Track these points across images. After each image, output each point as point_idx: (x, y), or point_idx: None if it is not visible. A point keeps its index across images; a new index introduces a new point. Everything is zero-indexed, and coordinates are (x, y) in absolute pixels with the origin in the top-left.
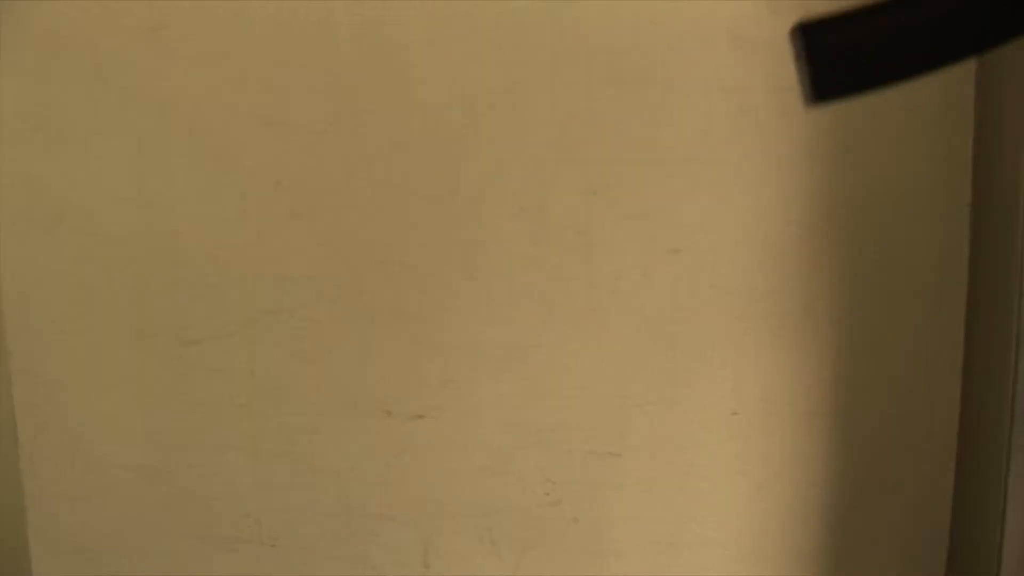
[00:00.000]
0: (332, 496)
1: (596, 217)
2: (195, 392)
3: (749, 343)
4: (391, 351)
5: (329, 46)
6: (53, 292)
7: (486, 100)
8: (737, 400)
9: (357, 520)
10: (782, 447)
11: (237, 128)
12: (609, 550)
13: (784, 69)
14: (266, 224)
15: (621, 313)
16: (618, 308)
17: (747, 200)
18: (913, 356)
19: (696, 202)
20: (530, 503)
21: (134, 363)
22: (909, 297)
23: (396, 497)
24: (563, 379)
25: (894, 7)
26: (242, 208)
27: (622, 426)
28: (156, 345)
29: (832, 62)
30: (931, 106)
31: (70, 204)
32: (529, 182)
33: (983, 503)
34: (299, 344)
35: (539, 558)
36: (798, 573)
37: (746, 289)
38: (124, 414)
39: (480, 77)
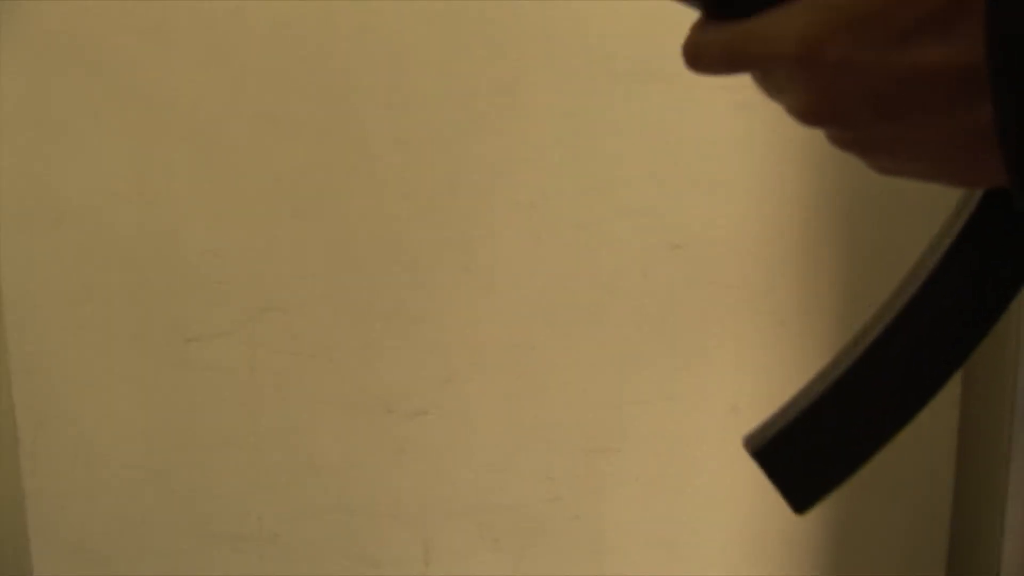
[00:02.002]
0: (333, 494)
1: (596, 214)
2: (195, 390)
3: (749, 339)
4: (391, 349)
5: (329, 45)
6: (53, 290)
7: (486, 98)
8: (737, 397)
9: (358, 518)
10: None
11: (237, 127)
12: (609, 547)
13: None
14: (266, 222)
15: (621, 310)
16: (618, 305)
17: (748, 197)
18: None
19: (697, 198)
20: (530, 500)
21: (134, 361)
22: None
23: (397, 495)
24: (563, 376)
25: (842, 385)
26: (242, 206)
27: (622, 423)
28: (156, 343)
29: (798, 473)
30: None
31: (70, 203)
32: (529, 179)
33: (983, 503)
34: (299, 342)
35: (539, 555)
36: (798, 571)
37: (746, 285)
38: (124, 412)
39: (480, 75)
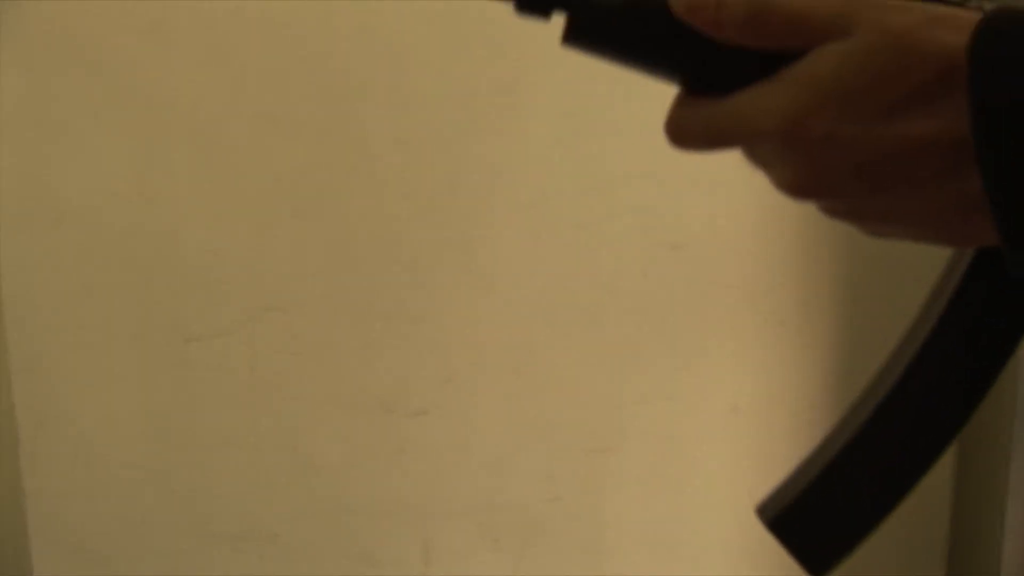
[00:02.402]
0: (332, 493)
1: (596, 214)
2: (196, 389)
3: (749, 339)
4: (391, 348)
5: (329, 45)
6: (53, 290)
7: (486, 98)
8: (737, 396)
9: (357, 517)
10: (782, 444)
11: (237, 126)
12: (609, 547)
13: None
14: (266, 222)
15: (621, 309)
16: (618, 304)
17: (748, 197)
18: None
19: (697, 198)
20: (530, 500)
21: (134, 360)
22: (909, 294)
23: (396, 494)
24: (563, 376)
25: (849, 451)
26: (242, 206)
27: (622, 423)
28: (156, 342)
29: (813, 540)
30: None
31: (70, 203)
32: (529, 179)
33: (983, 503)
34: (299, 341)
35: (539, 555)
36: (797, 571)
37: (746, 285)
38: (125, 411)
39: (480, 75)
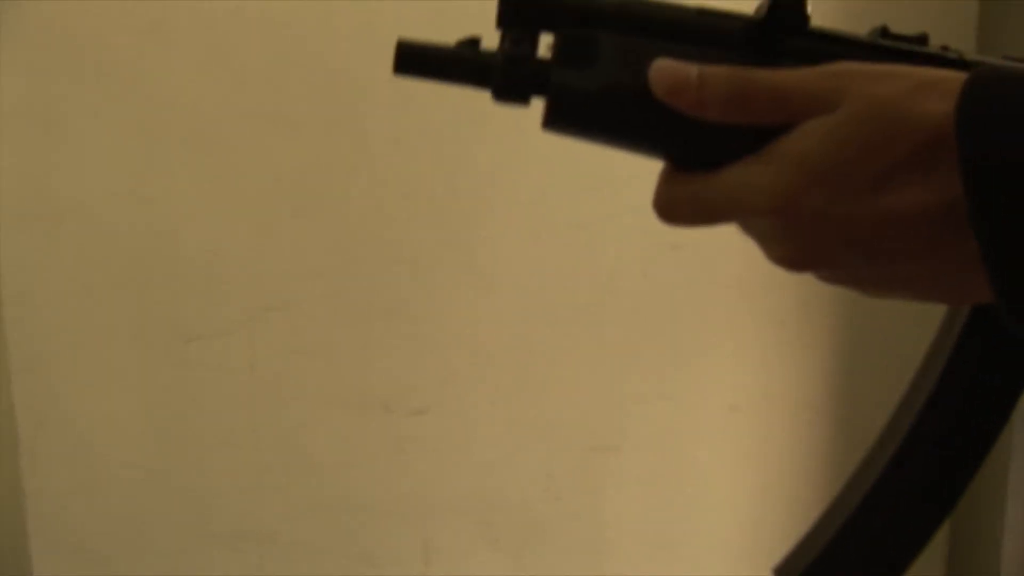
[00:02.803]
0: (332, 493)
1: (596, 213)
2: (195, 389)
3: (749, 339)
4: (391, 348)
5: (329, 45)
6: (53, 290)
7: (485, 98)
8: (736, 396)
9: (357, 516)
10: (781, 443)
11: (237, 126)
12: (609, 546)
13: None
14: (266, 221)
15: (621, 309)
16: (618, 304)
17: None
18: (912, 352)
19: None
20: (530, 499)
21: (134, 360)
22: None
23: (396, 493)
24: (563, 375)
25: (860, 514)
26: (242, 205)
27: (621, 422)
28: (156, 342)
29: None
30: None
31: (70, 202)
32: (529, 179)
33: (983, 503)
34: (299, 340)
35: (539, 554)
36: None
37: (746, 285)
38: (124, 411)
39: None
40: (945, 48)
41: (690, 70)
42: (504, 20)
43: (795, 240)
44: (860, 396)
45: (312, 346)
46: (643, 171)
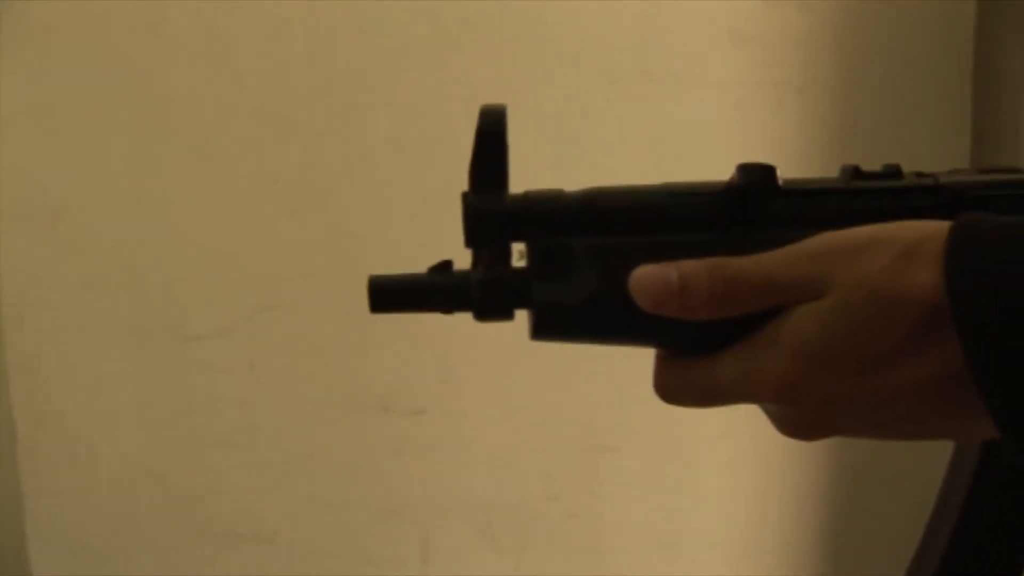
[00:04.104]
0: (330, 492)
1: None
2: (194, 389)
3: None
4: (389, 348)
5: (327, 45)
6: (52, 289)
7: (484, 98)
8: None
9: (356, 516)
10: (781, 443)
11: (236, 126)
12: (608, 546)
13: (781, 65)
14: (265, 221)
15: None
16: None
17: None
18: None
19: None
20: (528, 499)
21: (133, 360)
22: None
23: (395, 493)
24: (561, 375)
25: None
26: (241, 205)
27: (620, 421)
28: (155, 342)
29: None
30: (929, 101)
31: (69, 202)
32: (527, 177)
33: None
34: (298, 340)
35: (538, 554)
36: (797, 571)
37: None
38: (123, 411)
39: (478, 75)
40: (920, 175)
41: (670, 277)
42: (472, 239)
43: (802, 420)
44: None
45: (310, 346)
46: (643, 172)
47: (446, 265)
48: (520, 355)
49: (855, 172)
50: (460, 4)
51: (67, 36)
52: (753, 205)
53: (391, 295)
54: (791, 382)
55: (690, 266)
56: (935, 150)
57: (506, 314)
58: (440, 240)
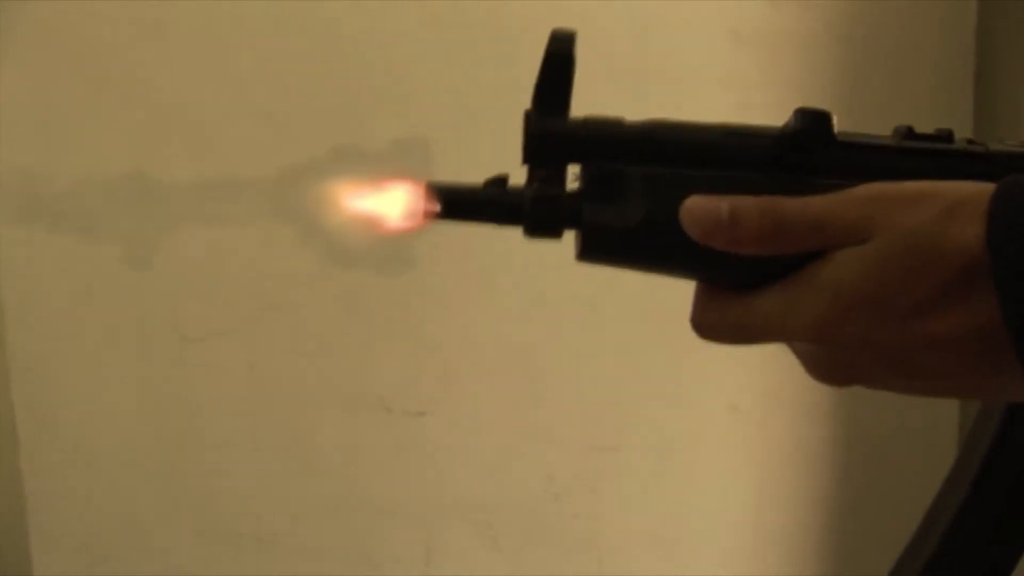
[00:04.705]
0: (332, 493)
1: None
2: (196, 390)
3: None
4: (391, 348)
5: (329, 46)
6: (53, 290)
7: (485, 100)
8: (736, 395)
9: (358, 517)
10: (781, 443)
11: (237, 126)
12: (609, 546)
13: (783, 65)
14: (265, 222)
15: (621, 309)
16: (617, 304)
17: None
18: None
19: None
20: (531, 499)
21: (134, 361)
22: None
23: (396, 494)
24: (563, 375)
25: None
26: (242, 206)
27: (622, 422)
28: (156, 343)
29: None
30: (931, 102)
31: (70, 203)
32: None
33: None
34: (299, 341)
35: (540, 554)
36: (797, 571)
37: None
38: (124, 411)
39: (478, 77)
40: (971, 142)
41: (721, 209)
42: (530, 157)
43: (834, 362)
44: (860, 396)
45: (312, 347)
46: None
47: (502, 180)
48: (521, 356)
49: (908, 132)
50: (460, 5)
51: (68, 38)
52: (807, 150)
53: (454, 202)
54: (829, 321)
55: (742, 201)
56: None
57: (556, 232)
58: (442, 240)
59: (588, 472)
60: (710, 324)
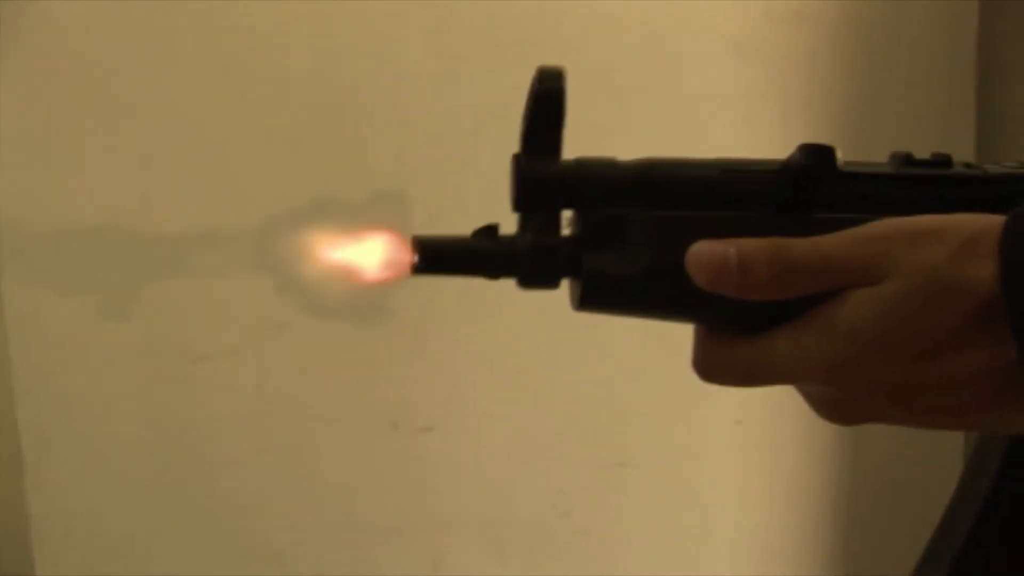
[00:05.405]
0: (340, 510)
1: None
2: (202, 407)
3: None
4: (397, 364)
5: (332, 60)
6: (58, 308)
7: (485, 113)
8: (741, 409)
9: (365, 534)
10: (786, 456)
11: (241, 142)
12: (618, 561)
13: (786, 79)
14: (271, 239)
15: (626, 324)
16: (623, 320)
17: None
18: None
19: None
20: (538, 515)
21: (140, 379)
22: None
23: (404, 510)
24: (569, 390)
25: None
26: (247, 222)
27: (628, 437)
28: (162, 361)
29: None
30: (934, 113)
31: (74, 219)
32: None
33: None
34: (306, 358)
35: (549, 570)
36: None
37: None
38: (130, 431)
39: (479, 89)
40: (969, 166)
41: (729, 256)
42: (521, 204)
43: (844, 403)
44: None
45: (318, 364)
46: None
47: (491, 229)
48: (528, 371)
49: (906, 159)
50: (463, 20)
51: (70, 52)
52: (810, 186)
53: (438, 256)
54: (842, 365)
55: (749, 245)
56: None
57: (553, 282)
58: None
59: (598, 488)
60: (716, 368)
